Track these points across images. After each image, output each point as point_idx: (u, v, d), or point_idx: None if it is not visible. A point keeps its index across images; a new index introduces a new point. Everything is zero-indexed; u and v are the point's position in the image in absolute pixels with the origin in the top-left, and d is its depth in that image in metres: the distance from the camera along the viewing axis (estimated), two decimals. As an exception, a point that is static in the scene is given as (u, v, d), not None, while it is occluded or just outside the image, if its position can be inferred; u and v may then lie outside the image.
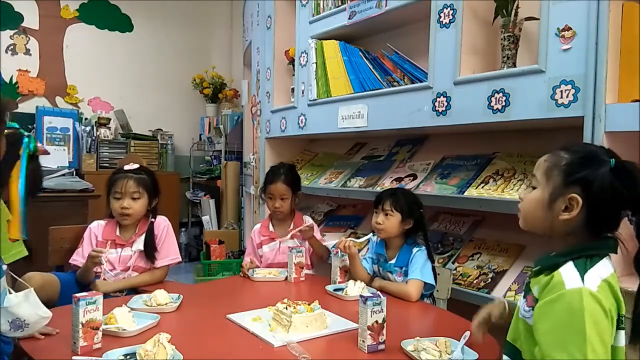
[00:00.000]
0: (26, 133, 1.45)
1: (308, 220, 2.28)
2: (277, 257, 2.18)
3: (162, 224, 2.04)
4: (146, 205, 1.97)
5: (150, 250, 1.97)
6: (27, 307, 1.19)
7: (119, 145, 4.79)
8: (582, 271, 0.95)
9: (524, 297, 1.07)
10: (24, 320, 1.18)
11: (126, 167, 1.99)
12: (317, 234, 2.26)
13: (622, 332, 0.97)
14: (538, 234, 1.11)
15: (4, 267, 1.19)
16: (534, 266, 1.09)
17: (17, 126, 1.51)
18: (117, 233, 1.96)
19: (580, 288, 0.92)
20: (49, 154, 1.57)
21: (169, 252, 2.02)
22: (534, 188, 1.09)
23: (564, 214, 1.00)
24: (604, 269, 0.97)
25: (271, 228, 2.24)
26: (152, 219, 2.01)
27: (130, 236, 1.96)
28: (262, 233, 2.24)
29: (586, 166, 0.99)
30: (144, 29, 5.29)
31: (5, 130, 1.47)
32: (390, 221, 1.84)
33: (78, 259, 1.92)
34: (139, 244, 1.97)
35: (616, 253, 1.02)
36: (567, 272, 0.96)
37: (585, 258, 0.98)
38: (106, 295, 1.67)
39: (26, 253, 1.57)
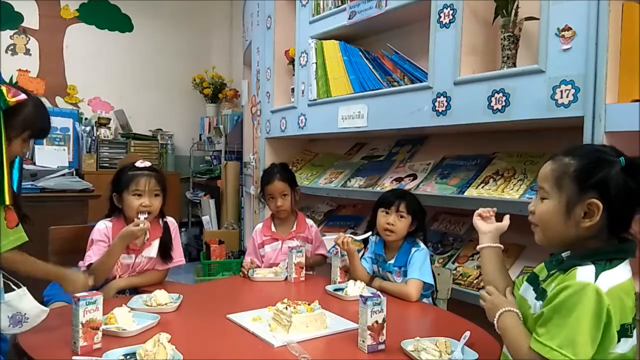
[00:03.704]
0: None
1: (311, 225, 2.28)
2: (278, 257, 2.18)
3: (173, 226, 2.03)
4: (161, 203, 1.95)
5: (167, 251, 1.96)
6: (27, 302, 1.19)
7: (119, 145, 4.79)
8: (599, 271, 0.95)
9: (538, 299, 1.05)
10: (24, 314, 1.18)
11: (139, 165, 1.93)
12: (318, 239, 2.26)
13: (629, 340, 0.96)
14: (559, 246, 1.08)
15: None
16: (549, 269, 1.07)
17: None
18: None
19: (588, 283, 0.93)
20: (25, 91, 1.39)
21: (176, 254, 2.01)
22: (543, 199, 1.06)
23: (585, 220, 0.99)
24: (621, 274, 0.97)
25: (273, 228, 2.24)
26: (165, 220, 2.00)
27: (141, 241, 1.92)
28: (265, 233, 2.23)
29: (598, 169, 0.98)
30: (144, 29, 5.29)
31: None
32: (402, 223, 1.83)
33: (91, 260, 1.83)
34: (150, 251, 1.94)
35: (634, 257, 1.01)
36: (584, 269, 0.96)
37: (605, 261, 0.97)
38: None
39: (26, 239, 1.48)
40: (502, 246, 1.28)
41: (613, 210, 0.98)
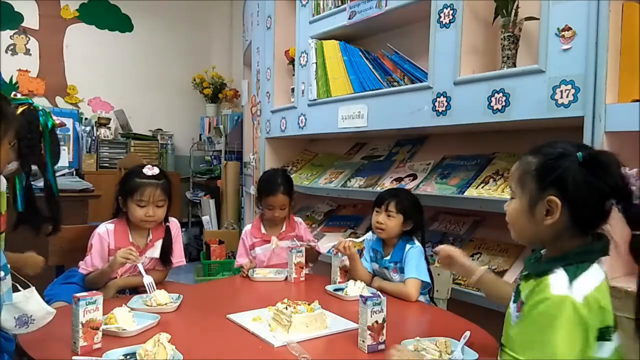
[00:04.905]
0: (40, 107, 1.47)
1: (300, 222, 2.26)
2: (272, 259, 2.16)
3: (175, 227, 2.02)
4: (166, 211, 1.94)
5: (168, 255, 1.96)
6: (34, 303, 1.19)
7: (119, 145, 4.79)
8: (572, 277, 0.92)
9: (514, 301, 1.04)
10: (31, 315, 1.18)
11: (147, 172, 1.89)
12: (308, 235, 2.26)
13: (607, 344, 0.93)
14: (531, 244, 1.09)
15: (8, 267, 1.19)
16: (524, 269, 1.08)
17: (31, 101, 1.53)
18: (130, 239, 1.90)
19: (565, 296, 0.90)
20: (64, 125, 1.65)
21: (177, 254, 2.01)
22: (512, 199, 1.07)
23: (547, 218, 0.98)
24: (594, 276, 0.94)
25: (263, 230, 2.20)
26: (167, 223, 1.98)
27: (144, 242, 1.92)
28: (255, 235, 2.19)
29: (556, 166, 0.97)
30: (144, 29, 5.29)
31: (20, 107, 1.49)
32: (392, 222, 1.84)
33: (88, 268, 1.84)
34: (154, 251, 1.94)
35: (608, 255, 0.98)
36: (557, 277, 0.93)
37: (576, 264, 0.94)
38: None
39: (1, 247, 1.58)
40: (484, 269, 1.37)
41: (575, 207, 0.96)
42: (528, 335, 0.92)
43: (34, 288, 1.21)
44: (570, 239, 0.99)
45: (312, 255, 2.22)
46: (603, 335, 0.92)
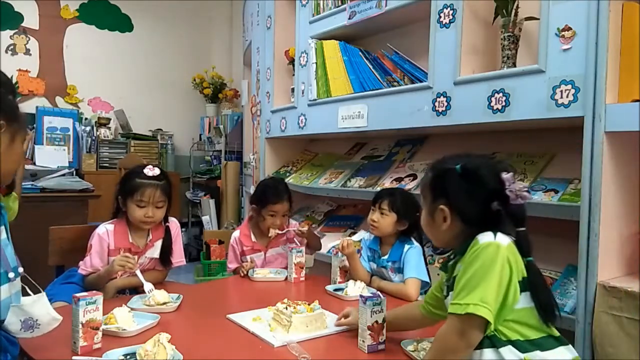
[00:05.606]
0: None
1: (293, 223, 2.24)
2: (265, 267, 2.14)
3: (175, 227, 2.01)
4: (165, 212, 1.93)
5: (167, 256, 1.95)
6: (41, 308, 1.18)
7: (119, 145, 4.79)
8: (495, 233, 1.04)
9: (449, 289, 1.13)
10: (36, 320, 1.17)
11: (148, 173, 1.87)
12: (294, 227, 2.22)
13: (523, 294, 1.03)
14: (447, 248, 1.20)
15: (20, 269, 1.18)
16: (452, 262, 1.16)
17: None
18: (130, 240, 1.89)
19: (491, 241, 1.02)
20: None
21: (177, 254, 2.01)
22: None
23: (444, 224, 1.12)
24: (506, 238, 1.04)
25: (253, 238, 2.16)
26: (167, 223, 1.98)
27: (144, 242, 1.92)
28: (245, 243, 2.15)
29: (441, 178, 1.14)
30: (144, 29, 5.29)
31: None
32: (385, 220, 1.85)
33: (87, 269, 1.83)
34: (153, 252, 1.93)
35: (509, 234, 1.07)
36: (484, 234, 1.05)
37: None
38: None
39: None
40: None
41: (461, 212, 1.10)
42: (466, 279, 1.01)
43: (44, 293, 1.20)
44: (469, 236, 1.08)
45: (314, 240, 2.19)
46: (525, 286, 1.03)
